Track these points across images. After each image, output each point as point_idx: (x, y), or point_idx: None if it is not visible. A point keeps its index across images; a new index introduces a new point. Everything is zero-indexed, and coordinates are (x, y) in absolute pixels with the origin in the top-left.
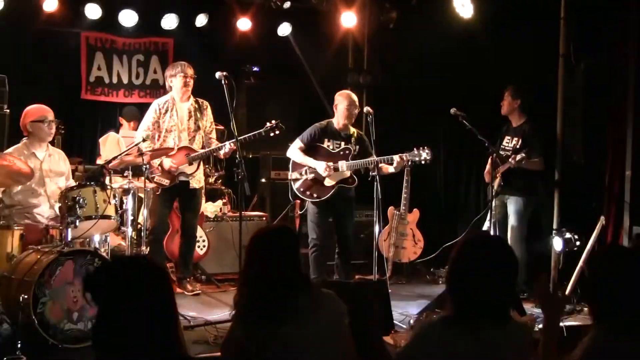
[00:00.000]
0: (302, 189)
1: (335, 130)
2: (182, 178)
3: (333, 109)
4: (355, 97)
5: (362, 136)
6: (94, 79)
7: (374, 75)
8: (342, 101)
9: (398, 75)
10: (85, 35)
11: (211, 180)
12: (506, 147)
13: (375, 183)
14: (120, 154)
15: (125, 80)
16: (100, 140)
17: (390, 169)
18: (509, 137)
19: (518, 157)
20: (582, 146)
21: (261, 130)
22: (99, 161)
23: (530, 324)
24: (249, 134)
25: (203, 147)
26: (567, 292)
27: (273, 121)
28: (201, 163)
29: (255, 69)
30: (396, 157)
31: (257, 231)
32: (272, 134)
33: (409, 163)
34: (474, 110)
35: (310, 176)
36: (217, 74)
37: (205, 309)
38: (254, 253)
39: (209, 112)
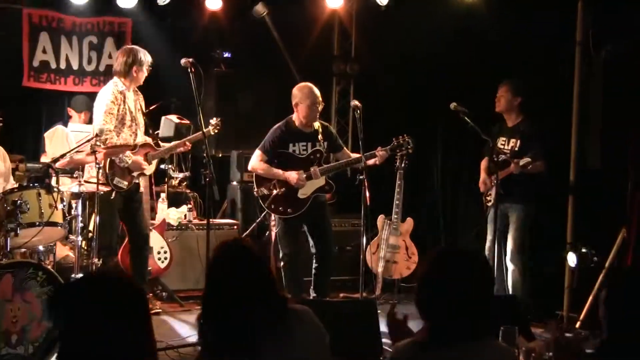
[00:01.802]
0: (273, 206)
1: (297, 131)
2: (136, 180)
3: (293, 106)
4: (317, 92)
5: (328, 128)
6: (38, 63)
7: (362, 64)
8: (304, 99)
9: (390, 64)
10: (28, 13)
11: (174, 182)
12: (503, 150)
13: (362, 187)
14: (69, 151)
15: (75, 66)
16: (46, 135)
17: (373, 160)
18: (504, 139)
19: (522, 161)
20: (600, 148)
21: (209, 128)
22: (44, 159)
23: (538, 350)
24: (198, 133)
25: None
26: (582, 316)
27: (215, 120)
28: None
29: (226, 55)
30: (378, 153)
31: (214, 250)
32: (212, 133)
33: (402, 165)
34: (476, 106)
35: (281, 190)
36: (183, 61)
37: (166, 331)
38: (209, 276)
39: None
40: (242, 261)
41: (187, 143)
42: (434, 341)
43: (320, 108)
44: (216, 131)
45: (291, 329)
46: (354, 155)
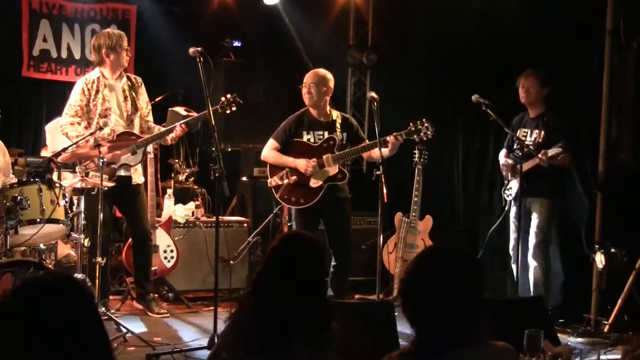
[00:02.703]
0: (285, 196)
1: (313, 119)
2: (123, 172)
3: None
4: (318, 77)
5: (349, 120)
6: (38, 52)
7: (379, 54)
8: (303, 85)
9: (408, 54)
10: None
11: (182, 178)
12: (525, 142)
13: (379, 184)
14: (71, 145)
15: (77, 55)
16: (47, 127)
17: (384, 150)
18: (526, 130)
19: (552, 152)
20: (632, 142)
21: (217, 106)
22: (45, 153)
23: (565, 355)
24: (200, 114)
25: (142, 133)
26: (610, 319)
27: (228, 95)
28: (145, 153)
29: (235, 44)
30: (390, 138)
31: (287, 235)
32: (228, 112)
33: (421, 161)
34: (499, 97)
35: (293, 179)
36: (191, 50)
37: (173, 334)
38: (279, 256)
39: (144, 91)
40: (312, 256)
41: (182, 127)
42: (422, 350)
43: (317, 91)
44: (234, 108)
45: (327, 345)
46: None
